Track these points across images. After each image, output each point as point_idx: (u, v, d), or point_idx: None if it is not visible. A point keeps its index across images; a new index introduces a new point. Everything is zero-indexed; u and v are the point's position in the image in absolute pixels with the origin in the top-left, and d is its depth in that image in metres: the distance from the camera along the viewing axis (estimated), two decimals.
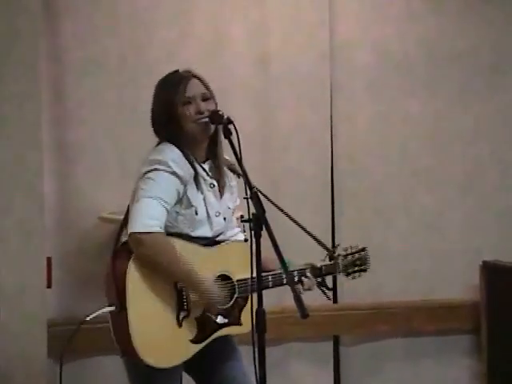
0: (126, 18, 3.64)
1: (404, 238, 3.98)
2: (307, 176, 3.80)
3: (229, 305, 2.69)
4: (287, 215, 2.80)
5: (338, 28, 3.91)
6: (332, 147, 3.93)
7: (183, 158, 2.65)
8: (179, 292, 2.63)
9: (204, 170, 2.73)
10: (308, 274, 2.80)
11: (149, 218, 2.56)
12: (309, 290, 2.79)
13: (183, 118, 2.70)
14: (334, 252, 2.93)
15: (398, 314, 3.91)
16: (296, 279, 2.77)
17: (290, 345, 3.86)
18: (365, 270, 3.02)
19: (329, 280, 3.84)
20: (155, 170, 2.61)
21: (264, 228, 2.33)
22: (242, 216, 2.75)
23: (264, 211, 2.34)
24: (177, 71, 2.80)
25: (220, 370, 2.78)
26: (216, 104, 2.76)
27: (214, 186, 2.72)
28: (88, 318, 2.58)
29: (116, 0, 3.63)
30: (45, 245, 3.39)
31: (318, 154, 3.90)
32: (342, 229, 3.91)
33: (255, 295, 2.34)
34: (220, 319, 2.69)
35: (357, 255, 2.99)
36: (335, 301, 3.94)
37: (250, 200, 2.41)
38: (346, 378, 3.96)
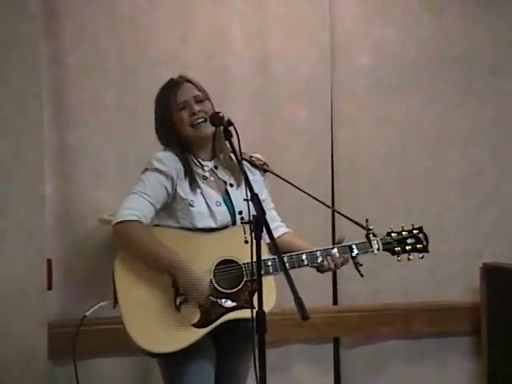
0: (126, 20, 3.63)
1: None
2: (307, 177, 3.80)
3: (237, 288, 2.71)
4: (316, 199, 3.00)
5: (338, 29, 3.91)
6: (332, 148, 3.92)
7: (172, 157, 2.77)
8: (174, 277, 2.67)
9: (200, 165, 2.79)
10: (333, 253, 2.83)
11: (126, 209, 2.70)
12: (335, 268, 2.83)
13: (179, 123, 2.79)
14: (369, 229, 2.95)
15: (398, 316, 3.90)
16: (320, 260, 2.81)
17: (290, 347, 3.85)
18: (419, 250, 2.97)
19: (328, 281, 3.91)
20: (144, 171, 2.78)
21: (265, 230, 2.34)
22: (242, 218, 2.78)
23: (264, 213, 2.35)
24: (171, 80, 2.90)
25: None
26: (212, 104, 2.83)
27: (206, 178, 2.80)
28: (87, 314, 2.61)
29: (115, 2, 3.62)
30: (45, 247, 3.39)
31: (319, 156, 3.90)
32: (342, 230, 3.89)
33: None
34: (227, 303, 2.69)
35: (405, 233, 2.97)
36: (335, 303, 3.95)
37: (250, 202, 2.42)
38: (347, 380, 3.95)
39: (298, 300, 2.20)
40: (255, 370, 2.33)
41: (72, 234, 3.54)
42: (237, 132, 2.58)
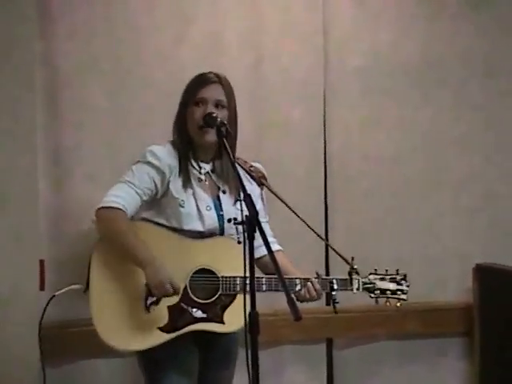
0: (121, 22, 3.63)
1: (397, 241, 3.98)
2: (300, 180, 3.81)
3: (210, 300, 2.69)
4: (307, 224, 2.93)
5: (332, 33, 3.91)
6: (325, 151, 3.93)
7: (169, 152, 2.74)
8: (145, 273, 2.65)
9: (198, 166, 2.75)
10: (311, 284, 2.80)
11: (111, 196, 2.69)
12: (311, 300, 2.81)
13: (189, 118, 2.75)
14: (353, 267, 2.88)
15: (391, 317, 3.90)
16: (298, 288, 2.78)
17: (283, 348, 3.85)
18: (398, 298, 2.95)
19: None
20: (136, 162, 2.76)
21: (258, 230, 2.34)
22: (235, 219, 2.75)
23: (257, 213, 2.35)
24: (204, 74, 2.83)
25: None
26: (232, 115, 2.78)
27: (201, 180, 2.77)
28: (57, 293, 2.60)
29: (111, 4, 3.62)
30: (38, 248, 3.38)
31: (312, 158, 3.90)
32: (335, 233, 3.92)
33: (248, 297, 2.31)
34: (198, 313, 2.68)
35: (388, 277, 2.92)
36: (328, 303, 3.95)
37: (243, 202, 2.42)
38: (339, 381, 3.96)
39: (291, 301, 2.21)
40: (248, 371, 2.33)
41: (65, 235, 3.53)
42: (231, 133, 2.59)
